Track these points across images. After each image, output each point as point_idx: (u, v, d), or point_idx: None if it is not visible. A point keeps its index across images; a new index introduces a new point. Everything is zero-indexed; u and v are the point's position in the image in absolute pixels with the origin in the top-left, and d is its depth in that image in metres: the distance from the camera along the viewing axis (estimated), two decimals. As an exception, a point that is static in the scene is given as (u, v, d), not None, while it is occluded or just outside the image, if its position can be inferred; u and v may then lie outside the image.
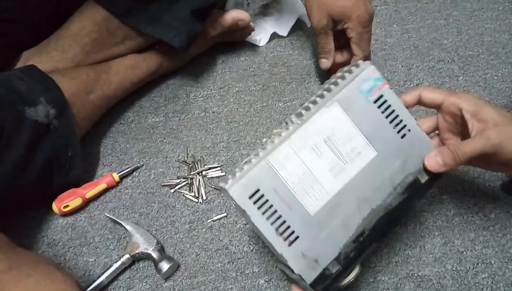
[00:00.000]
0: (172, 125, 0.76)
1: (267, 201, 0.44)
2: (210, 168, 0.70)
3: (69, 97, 0.63)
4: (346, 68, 0.51)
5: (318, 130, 0.47)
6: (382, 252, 0.60)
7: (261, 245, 0.62)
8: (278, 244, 0.44)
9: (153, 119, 0.77)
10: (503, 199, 0.64)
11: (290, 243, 0.44)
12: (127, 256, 0.59)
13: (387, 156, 0.48)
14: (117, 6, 0.68)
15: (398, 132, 0.49)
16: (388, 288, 0.57)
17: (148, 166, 0.71)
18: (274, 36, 0.88)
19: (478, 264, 0.58)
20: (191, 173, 0.69)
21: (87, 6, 0.70)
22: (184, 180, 0.69)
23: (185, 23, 0.71)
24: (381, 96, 0.49)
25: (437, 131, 0.56)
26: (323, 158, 0.46)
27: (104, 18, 0.69)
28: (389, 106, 0.49)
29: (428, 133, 0.51)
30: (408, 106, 0.53)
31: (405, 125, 0.49)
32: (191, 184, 0.68)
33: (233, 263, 0.61)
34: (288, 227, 0.44)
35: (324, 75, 0.80)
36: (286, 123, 0.47)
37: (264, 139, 0.47)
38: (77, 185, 0.66)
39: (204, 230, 0.64)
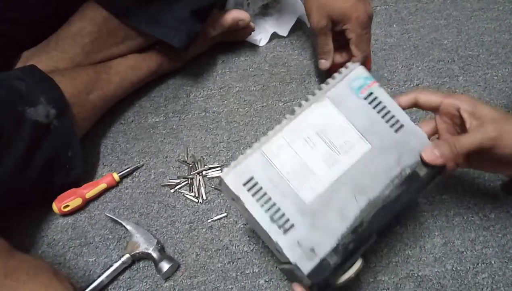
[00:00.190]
0: (172, 125, 0.76)
1: (261, 188, 0.45)
2: (210, 168, 0.70)
3: (69, 97, 0.63)
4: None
5: (311, 123, 0.48)
6: (382, 252, 0.60)
7: (261, 245, 0.62)
8: (273, 232, 0.44)
9: (153, 119, 0.77)
10: (503, 199, 0.64)
11: (285, 231, 0.44)
12: (127, 255, 0.59)
13: (382, 149, 0.49)
14: (117, 6, 0.68)
15: (391, 126, 0.50)
16: (388, 288, 0.57)
17: (148, 166, 0.71)
18: (274, 36, 0.88)
19: (478, 264, 0.58)
20: (191, 173, 0.69)
21: (87, 6, 0.70)
22: (184, 180, 0.69)
23: (185, 23, 0.71)
24: (371, 93, 0.50)
25: (437, 135, 0.56)
26: (316, 149, 0.48)
27: (104, 18, 0.69)
28: (380, 102, 0.50)
29: (428, 137, 0.52)
30: (403, 109, 0.54)
31: (398, 121, 0.50)
32: (191, 184, 0.68)
33: (233, 263, 0.61)
34: (283, 215, 0.44)
35: (324, 75, 0.80)
36: (280, 121, 0.48)
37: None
38: (77, 185, 0.66)
39: (204, 230, 0.64)
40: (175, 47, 0.72)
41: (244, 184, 0.45)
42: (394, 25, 0.89)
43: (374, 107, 0.50)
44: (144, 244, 0.60)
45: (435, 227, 0.62)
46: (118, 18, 0.69)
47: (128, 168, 0.70)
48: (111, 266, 0.59)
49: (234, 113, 0.77)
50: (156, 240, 0.60)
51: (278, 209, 0.45)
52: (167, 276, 0.59)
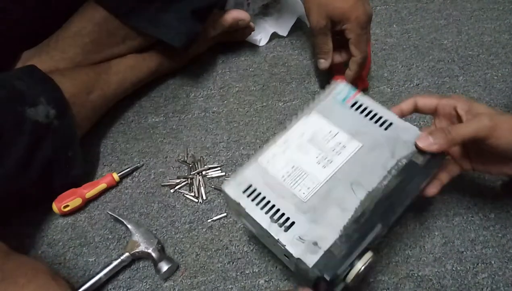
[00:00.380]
0: (172, 125, 0.76)
1: (259, 193, 0.47)
2: (210, 168, 0.70)
3: (69, 97, 0.63)
4: None
5: (301, 133, 0.52)
6: (382, 252, 0.60)
7: (261, 245, 0.62)
8: (274, 230, 0.45)
9: (153, 119, 0.77)
10: (503, 199, 0.64)
11: (286, 229, 0.45)
12: (127, 254, 0.59)
13: (374, 145, 0.50)
14: (117, 6, 0.68)
15: (380, 126, 0.52)
16: (388, 288, 0.57)
17: (148, 166, 0.71)
18: (274, 36, 0.88)
19: (478, 264, 0.58)
20: (191, 173, 0.69)
21: (87, 6, 0.70)
22: (184, 180, 0.69)
23: (185, 23, 0.71)
24: (357, 102, 0.54)
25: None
26: (309, 154, 0.50)
27: (104, 18, 0.69)
28: (366, 107, 0.53)
29: None
30: (405, 115, 0.55)
31: (386, 120, 0.52)
32: (191, 184, 0.68)
33: (233, 263, 0.61)
34: (283, 214, 0.46)
35: (324, 75, 0.80)
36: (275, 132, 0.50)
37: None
38: (77, 185, 0.66)
39: (204, 230, 0.64)
40: (175, 47, 0.72)
41: (244, 192, 0.47)
42: (394, 25, 0.89)
43: (361, 113, 0.53)
44: (144, 244, 0.60)
45: (435, 227, 0.62)
46: (118, 18, 0.69)
47: (128, 168, 0.70)
48: (110, 263, 0.59)
49: (234, 113, 0.77)
50: (156, 240, 0.60)
51: (278, 210, 0.46)
52: (166, 276, 0.59)
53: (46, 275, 0.50)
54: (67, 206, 0.64)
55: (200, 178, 0.68)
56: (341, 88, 0.55)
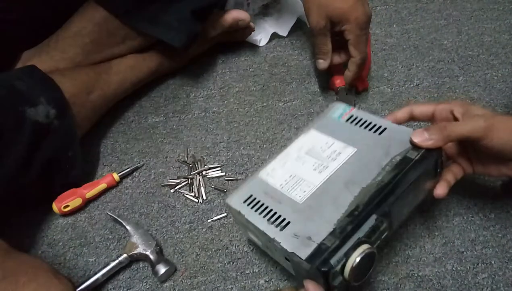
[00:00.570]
0: (172, 125, 0.76)
1: (258, 201, 0.50)
2: (210, 168, 0.70)
3: (69, 97, 0.63)
4: None
5: (299, 147, 0.55)
6: (382, 252, 0.60)
7: (261, 245, 0.62)
8: (270, 230, 0.46)
9: (153, 119, 0.77)
10: (503, 199, 0.64)
11: (282, 228, 0.46)
12: (124, 255, 0.59)
13: (368, 148, 0.51)
14: (117, 6, 0.68)
15: (375, 132, 0.53)
16: (388, 288, 0.57)
17: (148, 166, 0.71)
18: (274, 36, 0.88)
19: (478, 264, 0.58)
20: (191, 173, 0.69)
21: (87, 6, 0.70)
22: (184, 180, 0.69)
23: (185, 23, 0.71)
24: (352, 116, 0.56)
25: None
26: (306, 163, 0.52)
27: (104, 18, 0.69)
28: (361, 119, 0.55)
29: None
30: (399, 123, 0.56)
31: (380, 126, 0.53)
32: (191, 184, 0.68)
33: (233, 263, 0.61)
34: (279, 216, 0.47)
35: (324, 75, 0.80)
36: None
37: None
38: (77, 185, 0.66)
39: (204, 230, 0.64)
40: (175, 47, 0.72)
41: (244, 202, 0.50)
42: (394, 25, 0.89)
43: (355, 124, 0.55)
44: (142, 245, 0.60)
45: (435, 227, 0.62)
46: (118, 18, 0.69)
47: (128, 168, 0.70)
48: (108, 264, 0.59)
49: (234, 113, 0.77)
50: (155, 242, 0.60)
51: (275, 213, 0.48)
52: (163, 279, 0.59)
53: (48, 273, 0.50)
54: (67, 206, 0.64)
55: (200, 178, 0.68)
56: (336, 107, 0.58)
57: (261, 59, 0.84)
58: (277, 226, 0.46)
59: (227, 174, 0.69)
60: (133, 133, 0.75)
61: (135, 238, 0.60)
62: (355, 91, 0.77)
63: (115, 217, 0.64)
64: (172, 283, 0.59)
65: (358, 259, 0.43)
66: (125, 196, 0.68)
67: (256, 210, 0.49)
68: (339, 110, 0.57)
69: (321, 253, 0.42)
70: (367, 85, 0.78)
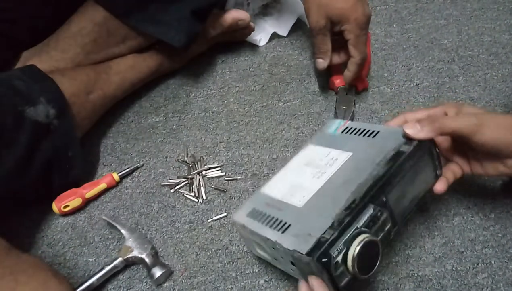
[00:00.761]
0: (172, 125, 0.76)
1: (261, 212, 0.51)
2: (210, 168, 0.70)
3: (69, 97, 0.63)
4: None
5: (299, 161, 0.57)
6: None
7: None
8: (271, 234, 0.47)
9: (153, 119, 0.77)
10: (503, 199, 0.64)
11: (283, 231, 0.47)
12: (120, 259, 0.59)
13: (363, 150, 0.53)
14: (117, 6, 0.68)
15: (369, 136, 0.54)
16: (388, 288, 0.57)
17: (148, 166, 0.71)
18: (274, 36, 0.88)
19: (478, 264, 0.58)
20: (191, 173, 0.69)
21: (87, 6, 0.70)
22: (184, 180, 0.69)
23: (185, 23, 0.71)
24: (346, 127, 0.58)
25: None
26: (306, 173, 0.54)
27: (104, 18, 0.69)
28: (355, 128, 0.57)
29: None
30: None
31: (373, 131, 0.55)
32: (191, 184, 0.68)
33: (233, 263, 0.61)
34: (280, 221, 0.48)
35: (324, 75, 0.80)
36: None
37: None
38: (77, 185, 0.66)
39: (204, 230, 0.64)
40: (175, 47, 0.72)
41: (247, 215, 0.52)
42: (394, 25, 0.89)
43: (350, 133, 0.57)
44: (137, 249, 0.59)
45: (435, 227, 0.62)
46: (118, 18, 0.69)
47: (128, 168, 0.70)
48: (103, 268, 0.58)
49: (234, 113, 0.77)
50: (150, 246, 0.60)
51: (276, 219, 0.49)
52: (159, 282, 0.58)
53: (47, 272, 0.50)
54: (67, 206, 0.64)
55: (200, 178, 0.68)
56: (332, 122, 0.61)
57: (261, 59, 0.84)
58: (278, 230, 0.47)
59: (227, 174, 0.69)
60: (133, 133, 0.75)
61: (130, 242, 0.60)
62: (355, 91, 0.77)
63: (110, 221, 0.63)
64: (172, 283, 0.59)
65: (358, 248, 0.43)
66: (125, 196, 0.68)
67: (258, 220, 0.50)
68: (335, 124, 0.60)
69: (320, 246, 0.43)
70: (367, 85, 0.78)
